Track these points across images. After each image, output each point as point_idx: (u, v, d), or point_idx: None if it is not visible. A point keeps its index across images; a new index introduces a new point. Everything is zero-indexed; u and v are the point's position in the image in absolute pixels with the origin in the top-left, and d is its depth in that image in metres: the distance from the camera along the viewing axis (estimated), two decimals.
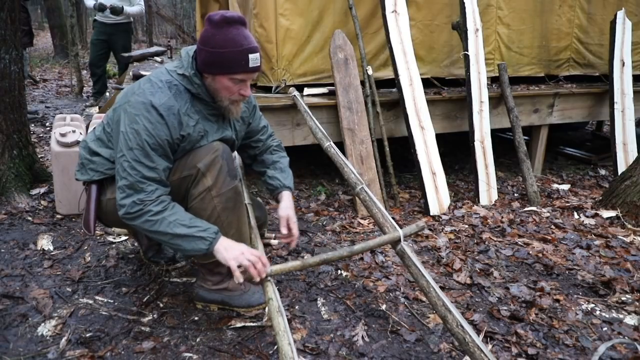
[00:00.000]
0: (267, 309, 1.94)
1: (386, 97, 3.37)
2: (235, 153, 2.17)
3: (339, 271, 2.29)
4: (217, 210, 1.72)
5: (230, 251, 1.60)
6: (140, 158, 1.58)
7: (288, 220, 1.89)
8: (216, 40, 1.57)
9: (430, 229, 2.84)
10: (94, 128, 1.88)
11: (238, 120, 1.89)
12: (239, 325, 1.85)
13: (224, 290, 1.93)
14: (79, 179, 1.85)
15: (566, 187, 3.76)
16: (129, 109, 1.61)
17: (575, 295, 2.16)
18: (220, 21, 1.57)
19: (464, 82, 3.46)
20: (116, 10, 5.22)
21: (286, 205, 1.93)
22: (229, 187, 1.73)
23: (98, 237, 2.53)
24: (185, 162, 1.70)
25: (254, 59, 1.60)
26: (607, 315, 2.01)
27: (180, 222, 1.59)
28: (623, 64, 4.02)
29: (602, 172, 4.28)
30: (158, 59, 4.82)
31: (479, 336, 1.77)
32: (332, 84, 3.25)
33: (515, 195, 3.57)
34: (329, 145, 2.49)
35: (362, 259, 2.42)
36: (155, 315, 1.89)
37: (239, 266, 1.57)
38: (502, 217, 3.05)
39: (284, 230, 1.88)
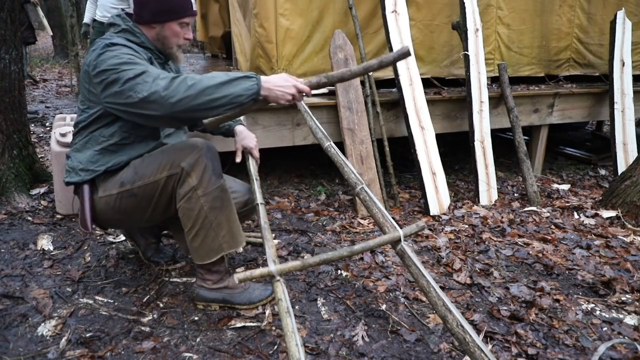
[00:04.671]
0: (267, 309, 1.94)
1: (386, 97, 3.37)
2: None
3: (339, 271, 2.29)
4: (205, 210, 1.73)
5: (278, 89, 1.60)
6: (136, 66, 1.59)
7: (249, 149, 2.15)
8: None
9: (430, 229, 2.84)
10: (71, 142, 1.93)
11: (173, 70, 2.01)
12: (239, 325, 1.85)
13: (224, 289, 1.93)
14: (69, 183, 1.86)
15: (566, 187, 3.77)
16: (95, 63, 1.64)
17: (575, 295, 2.16)
18: None
19: (464, 82, 3.46)
20: None
21: (243, 135, 2.17)
22: (215, 186, 1.73)
23: (98, 237, 2.53)
24: (168, 161, 1.73)
25: (194, 3, 1.83)
26: (607, 315, 2.01)
27: (219, 74, 1.57)
28: (623, 64, 4.02)
29: (602, 172, 4.28)
30: None
31: (479, 336, 1.76)
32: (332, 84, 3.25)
33: (515, 195, 3.57)
34: (329, 145, 2.48)
35: (362, 259, 2.41)
36: (155, 315, 1.89)
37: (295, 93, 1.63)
38: (502, 217, 3.05)
39: (238, 159, 2.15)
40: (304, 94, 1.65)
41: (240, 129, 2.20)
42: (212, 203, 1.73)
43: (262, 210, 1.89)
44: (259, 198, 1.97)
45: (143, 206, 1.81)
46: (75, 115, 2.91)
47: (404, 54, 1.62)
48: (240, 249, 2.14)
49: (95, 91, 1.70)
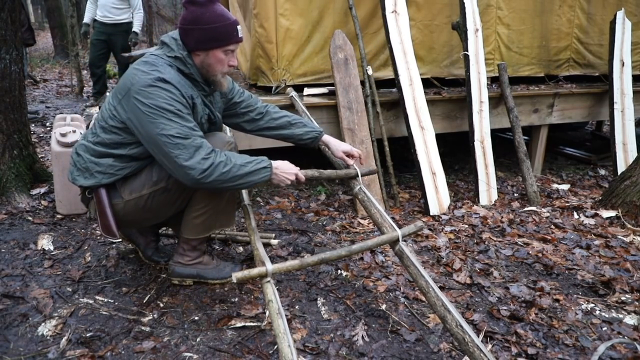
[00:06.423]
0: (267, 310, 1.94)
1: (386, 97, 3.38)
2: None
3: (339, 271, 2.29)
4: (222, 195, 1.90)
5: (282, 174, 1.82)
6: (182, 122, 1.65)
7: (349, 153, 2.18)
8: (208, 18, 1.71)
9: (430, 229, 2.84)
10: (88, 132, 1.86)
11: (221, 98, 2.03)
12: (239, 325, 1.85)
13: (198, 264, 2.07)
14: (83, 185, 1.80)
15: (566, 187, 3.77)
16: (142, 91, 1.64)
17: (575, 295, 2.17)
18: (206, 1, 1.72)
19: (464, 82, 3.46)
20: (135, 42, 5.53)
21: (336, 143, 2.20)
22: None
23: (98, 237, 2.53)
24: None
25: (239, 30, 1.78)
26: (606, 315, 2.01)
27: (245, 161, 1.72)
28: (623, 64, 4.02)
29: (602, 172, 4.28)
30: None
31: (478, 336, 1.77)
32: (332, 84, 3.25)
33: (515, 195, 3.57)
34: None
35: (362, 258, 2.42)
36: (155, 315, 1.89)
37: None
38: (502, 217, 3.05)
39: (350, 161, 2.20)
40: (300, 181, 1.88)
41: (329, 138, 2.23)
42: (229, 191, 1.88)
43: (249, 210, 2.04)
44: (246, 199, 2.08)
45: (173, 200, 1.87)
46: (75, 115, 2.92)
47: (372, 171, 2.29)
48: (229, 229, 2.46)
49: (124, 109, 1.69)
